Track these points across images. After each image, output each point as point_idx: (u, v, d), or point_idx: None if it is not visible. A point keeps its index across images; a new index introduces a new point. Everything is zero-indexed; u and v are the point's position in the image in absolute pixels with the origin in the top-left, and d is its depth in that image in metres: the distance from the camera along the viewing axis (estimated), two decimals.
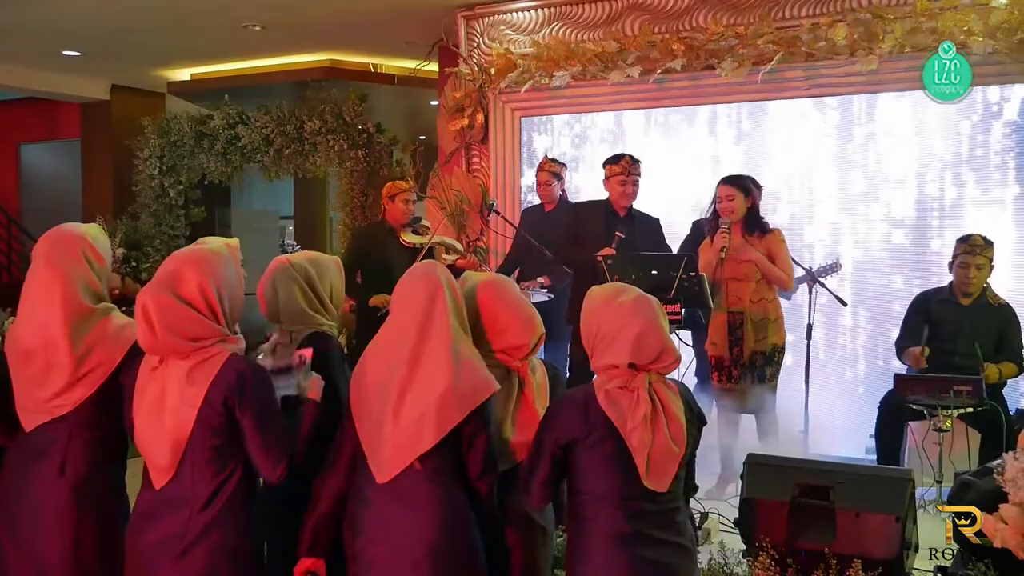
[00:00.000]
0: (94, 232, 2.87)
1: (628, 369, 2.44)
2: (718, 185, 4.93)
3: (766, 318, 4.84)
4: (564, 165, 6.12)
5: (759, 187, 5.28)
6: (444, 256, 5.75)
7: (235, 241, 3.12)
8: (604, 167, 5.27)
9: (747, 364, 4.82)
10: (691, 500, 2.77)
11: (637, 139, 6.56)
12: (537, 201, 6.27)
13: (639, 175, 5.17)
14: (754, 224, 4.89)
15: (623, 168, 5.13)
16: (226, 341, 2.48)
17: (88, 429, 2.67)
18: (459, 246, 6.05)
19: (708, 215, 5.03)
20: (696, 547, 2.64)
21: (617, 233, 5.02)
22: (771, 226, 4.96)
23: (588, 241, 5.09)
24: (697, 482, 2.74)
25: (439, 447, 2.42)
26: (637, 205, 5.29)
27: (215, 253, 2.55)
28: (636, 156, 5.21)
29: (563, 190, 6.08)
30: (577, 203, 5.85)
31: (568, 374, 5.08)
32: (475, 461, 2.49)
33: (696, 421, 2.57)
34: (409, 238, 5.73)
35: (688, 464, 2.58)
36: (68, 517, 2.67)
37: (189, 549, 2.41)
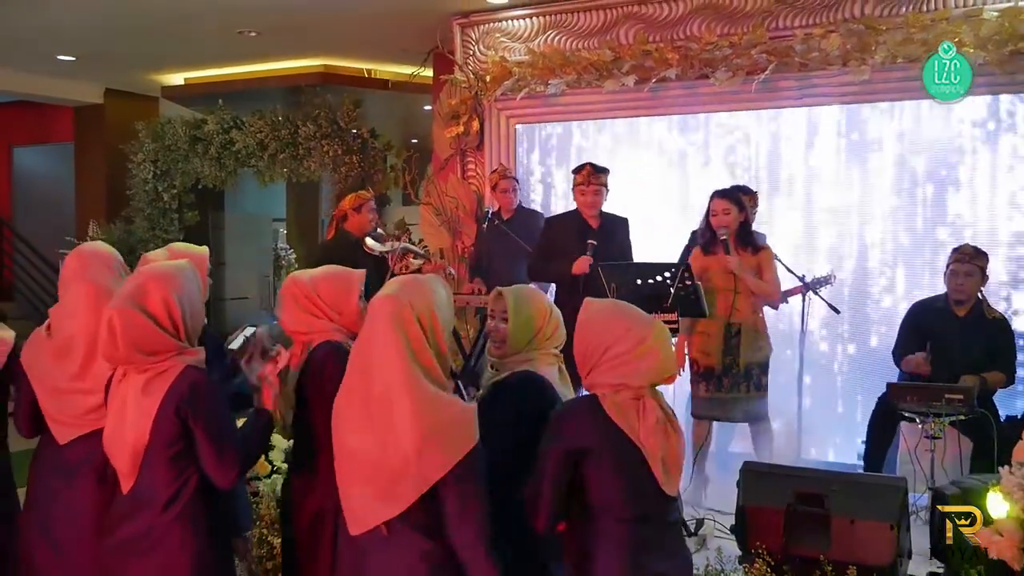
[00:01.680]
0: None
1: (637, 387, 2.44)
2: (712, 198, 4.97)
3: (757, 330, 4.91)
4: (515, 179, 6.32)
5: (752, 194, 5.35)
6: (412, 260, 5.74)
7: (204, 249, 3.21)
8: (572, 176, 5.37)
9: (742, 373, 4.87)
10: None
11: (628, 146, 6.65)
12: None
13: (600, 184, 5.20)
14: (745, 239, 4.94)
15: (583, 178, 5.21)
16: (184, 354, 2.56)
17: None
18: (421, 251, 6.05)
19: (702, 226, 5.08)
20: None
21: (590, 241, 5.11)
22: (762, 242, 5.01)
23: (562, 253, 5.18)
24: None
25: (420, 499, 2.24)
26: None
27: (179, 268, 2.65)
28: (601, 165, 5.28)
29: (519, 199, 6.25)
30: (550, 217, 5.88)
31: None
32: (453, 516, 2.25)
33: None
34: (373, 245, 5.66)
35: None
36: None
37: (152, 548, 2.50)
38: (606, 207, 5.30)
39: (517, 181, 6.20)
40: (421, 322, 2.31)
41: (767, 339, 4.96)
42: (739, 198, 4.96)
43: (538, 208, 6.74)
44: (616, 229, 5.31)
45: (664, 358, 2.46)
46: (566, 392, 2.82)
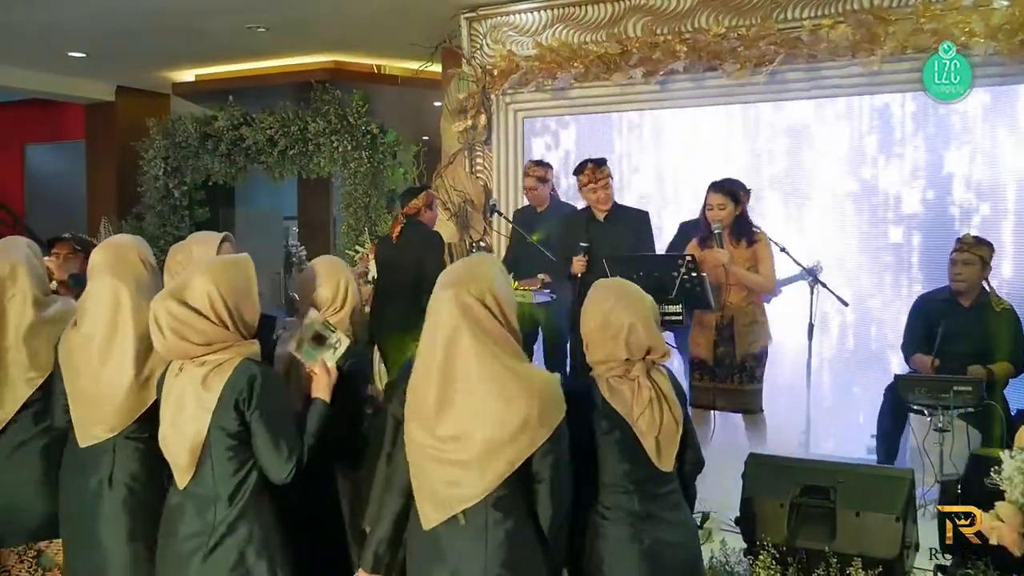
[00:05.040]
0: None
1: (624, 361, 2.55)
2: (708, 191, 4.93)
3: (755, 321, 4.86)
4: (549, 167, 6.08)
5: (747, 191, 5.29)
6: None
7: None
8: (575, 177, 5.26)
9: (737, 365, 4.84)
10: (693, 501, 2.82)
11: (624, 139, 6.65)
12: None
13: (606, 177, 5.11)
14: (742, 232, 4.89)
15: (588, 177, 5.12)
16: (239, 345, 2.58)
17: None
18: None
19: (701, 218, 5.03)
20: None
21: (581, 244, 5.07)
22: (756, 231, 4.91)
23: (568, 251, 5.16)
24: None
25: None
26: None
27: (228, 262, 2.68)
28: (599, 159, 5.18)
29: (553, 191, 6.08)
30: (564, 213, 5.74)
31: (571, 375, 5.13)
32: (544, 492, 2.31)
33: (683, 399, 2.67)
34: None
35: (690, 440, 2.67)
36: None
37: (217, 545, 2.50)
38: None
39: (540, 178, 5.87)
40: (486, 304, 2.32)
41: (764, 330, 4.89)
42: (734, 191, 4.90)
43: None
44: (628, 220, 5.24)
45: (631, 329, 2.52)
46: None
